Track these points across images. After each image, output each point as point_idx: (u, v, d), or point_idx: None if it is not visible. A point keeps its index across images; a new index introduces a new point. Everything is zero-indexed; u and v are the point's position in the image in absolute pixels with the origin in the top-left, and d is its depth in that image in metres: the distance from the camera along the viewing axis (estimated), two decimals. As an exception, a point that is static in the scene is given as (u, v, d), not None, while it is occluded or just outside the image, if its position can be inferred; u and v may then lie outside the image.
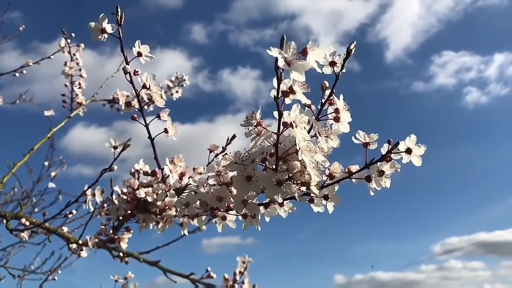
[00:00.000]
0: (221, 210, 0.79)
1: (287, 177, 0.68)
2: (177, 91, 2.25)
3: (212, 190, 0.79)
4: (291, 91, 0.60)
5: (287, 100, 0.62)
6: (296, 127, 0.62)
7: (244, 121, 0.69)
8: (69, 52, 2.07)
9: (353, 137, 0.74)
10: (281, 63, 0.55)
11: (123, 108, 2.09)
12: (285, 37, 0.55)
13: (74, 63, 2.07)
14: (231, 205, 0.80)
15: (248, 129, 0.70)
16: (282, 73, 0.58)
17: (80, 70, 2.07)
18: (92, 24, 0.89)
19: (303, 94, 0.62)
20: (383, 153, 0.71)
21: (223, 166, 0.79)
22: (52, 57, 2.15)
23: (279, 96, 0.60)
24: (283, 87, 0.60)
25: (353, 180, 0.74)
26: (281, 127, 0.64)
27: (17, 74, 2.33)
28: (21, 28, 3.17)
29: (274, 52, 0.55)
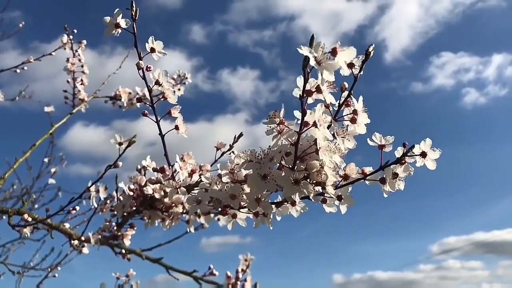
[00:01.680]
0: (234, 208, 0.79)
1: (303, 176, 0.69)
2: (179, 89, 2.24)
3: (225, 187, 0.79)
4: (317, 90, 0.60)
5: (310, 100, 0.62)
6: (320, 126, 0.62)
7: (267, 119, 0.69)
8: (71, 48, 2.05)
9: (368, 139, 0.74)
10: (312, 62, 0.55)
11: (125, 105, 2.09)
12: (314, 36, 0.55)
13: (76, 59, 2.05)
14: (243, 203, 0.80)
15: (269, 127, 0.70)
16: (310, 72, 0.58)
17: (82, 66, 2.05)
18: (107, 18, 0.88)
19: (330, 94, 0.62)
20: (398, 156, 0.72)
21: (237, 164, 0.79)
22: (53, 53, 2.12)
23: (304, 95, 0.60)
24: (308, 86, 0.60)
25: (367, 182, 0.75)
26: (303, 127, 0.64)
27: (18, 70, 2.30)
28: (20, 25, 3.15)
29: (305, 50, 0.55)
